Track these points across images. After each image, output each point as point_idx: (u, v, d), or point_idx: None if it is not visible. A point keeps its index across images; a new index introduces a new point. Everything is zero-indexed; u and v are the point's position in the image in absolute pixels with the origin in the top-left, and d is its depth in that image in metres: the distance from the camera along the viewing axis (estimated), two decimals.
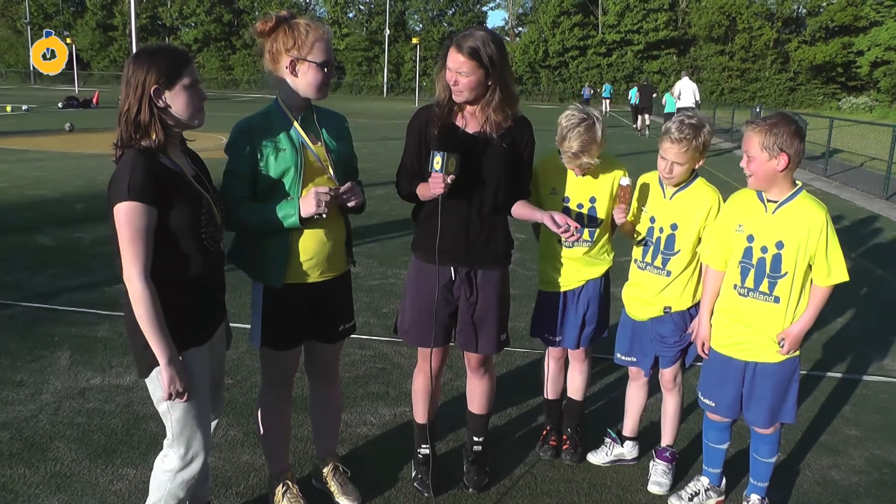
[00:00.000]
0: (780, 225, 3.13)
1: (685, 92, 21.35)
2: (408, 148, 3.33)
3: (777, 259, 3.13)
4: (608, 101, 40.14)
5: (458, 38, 3.10)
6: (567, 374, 3.97)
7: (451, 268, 3.30)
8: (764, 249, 3.16)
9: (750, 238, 3.20)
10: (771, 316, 3.18)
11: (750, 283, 3.21)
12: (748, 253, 3.21)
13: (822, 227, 3.07)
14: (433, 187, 3.04)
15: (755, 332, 3.22)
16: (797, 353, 3.24)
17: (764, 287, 3.17)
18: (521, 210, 3.34)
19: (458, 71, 3.07)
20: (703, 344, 3.44)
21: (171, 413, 2.63)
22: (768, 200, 3.17)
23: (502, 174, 3.24)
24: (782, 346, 3.17)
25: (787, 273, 3.13)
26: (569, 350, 3.85)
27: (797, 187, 3.15)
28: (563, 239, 3.27)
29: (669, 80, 61.02)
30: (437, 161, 3.00)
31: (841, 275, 3.11)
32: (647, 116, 27.14)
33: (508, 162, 3.25)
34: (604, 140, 3.44)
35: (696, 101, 21.17)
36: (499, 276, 3.36)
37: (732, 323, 3.29)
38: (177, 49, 2.62)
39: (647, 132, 26.43)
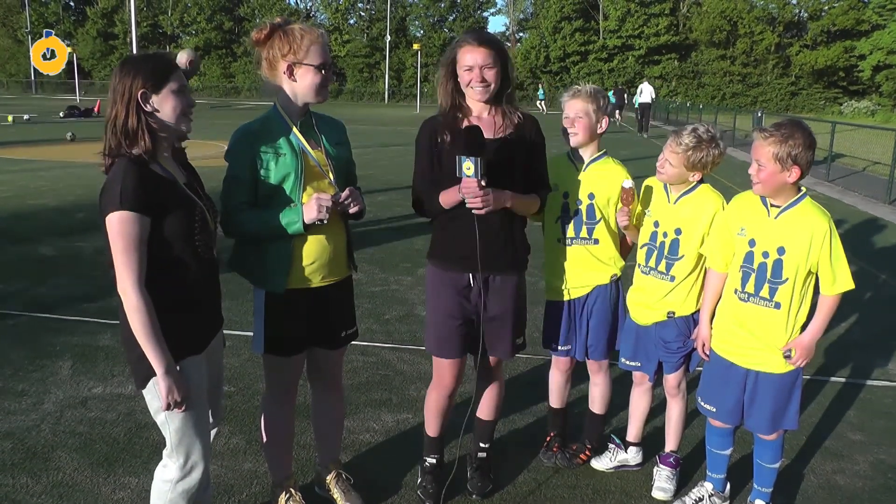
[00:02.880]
0: (782, 230, 3.12)
1: (644, 92, 29.52)
2: (420, 160, 3.28)
3: (778, 265, 3.12)
4: (542, 102, 45.89)
5: (469, 36, 3.10)
6: (588, 385, 3.96)
7: (469, 274, 3.26)
8: (765, 254, 3.14)
9: (751, 242, 3.19)
10: (771, 322, 3.16)
11: (750, 287, 3.19)
12: (749, 257, 3.19)
13: (824, 234, 3.04)
14: (468, 195, 2.95)
15: (756, 338, 3.20)
16: None
17: (764, 292, 3.16)
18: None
19: (484, 64, 3.06)
20: (704, 345, 3.43)
21: (170, 423, 2.62)
22: (772, 205, 3.16)
23: (518, 176, 3.21)
24: (790, 358, 3.15)
25: (787, 279, 3.11)
26: (587, 362, 3.83)
27: (801, 193, 3.13)
28: (467, 202, 3.02)
29: (671, 86, 61.39)
30: (468, 166, 2.90)
31: (846, 283, 3.08)
32: (619, 113, 35.63)
33: (521, 162, 3.23)
34: (602, 110, 3.55)
35: (652, 98, 30.37)
36: (516, 281, 3.33)
37: (734, 328, 3.27)
38: (163, 55, 2.62)
39: (618, 122, 34.54)
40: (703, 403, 3.44)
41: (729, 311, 3.30)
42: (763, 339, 3.19)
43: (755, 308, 3.19)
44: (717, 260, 3.35)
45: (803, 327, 3.17)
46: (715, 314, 3.39)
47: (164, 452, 2.72)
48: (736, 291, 3.25)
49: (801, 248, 3.07)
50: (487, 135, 3.14)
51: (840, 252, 3.07)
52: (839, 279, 3.07)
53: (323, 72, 2.92)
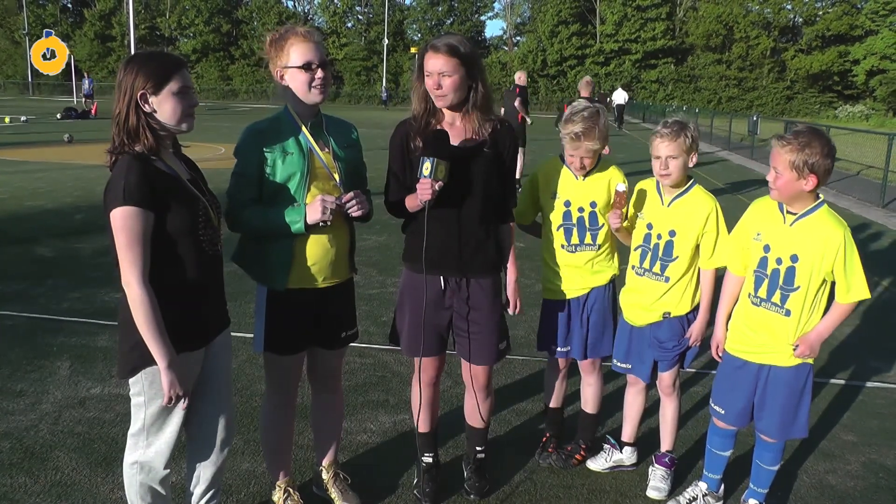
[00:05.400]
0: (796, 238, 3.11)
1: (618, 96, 37.68)
2: (392, 163, 3.32)
3: (791, 272, 3.11)
4: None
5: (433, 42, 3.10)
6: (580, 386, 3.98)
7: (441, 277, 3.28)
8: (779, 261, 3.14)
9: (766, 248, 3.18)
10: (781, 328, 3.16)
11: (763, 293, 3.20)
12: (763, 263, 3.19)
13: (839, 244, 3.03)
14: (421, 193, 3.02)
15: (765, 342, 3.22)
16: (811, 361, 3.23)
17: (776, 298, 3.16)
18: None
19: (441, 72, 3.05)
20: (718, 346, 3.45)
21: (147, 407, 2.64)
22: (788, 212, 3.15)
23: (490, 181, 3.23)
24: (796, 349, 3.16)
25: (799, 287, 3.10)
26: (578, 362, 3.86)
27: (819, 201, 3.13)
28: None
29: (667, 90, 61.62)
30: (427, 167, 2.98)
31: (861, 292, 3.08)
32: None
33: (495, 168, 3.24)
34: (605, 132, 3.50)
35: (625, 101, 37.78)
36: (490, 283, 3.34)
37: (746, 330, 3.28)
38: (169, 55, 2.64)
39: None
40: (713, 405, 3.46)
41: (742, 314, 3.31)
42: (772, 344, 3.20)
43: (766, 313, 3.19)
44: (734, 263, 3.37)
45: None
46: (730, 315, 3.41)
47: (130, 433, 2.74)
48: (749, 295, 3.25)
49: (814, 257, 3.06)
50: (456, 142, 3.16)
51: (855, 262, 3.06)
52: (853, 288, 3.07)
53: (306, 71, 2.93)
